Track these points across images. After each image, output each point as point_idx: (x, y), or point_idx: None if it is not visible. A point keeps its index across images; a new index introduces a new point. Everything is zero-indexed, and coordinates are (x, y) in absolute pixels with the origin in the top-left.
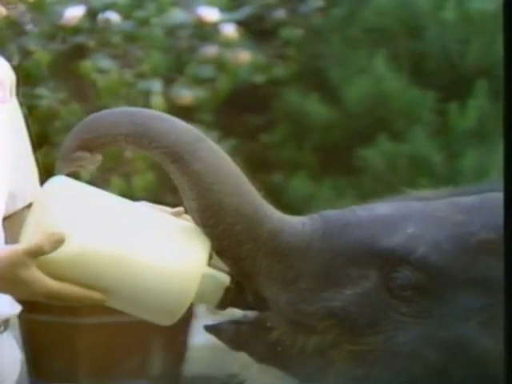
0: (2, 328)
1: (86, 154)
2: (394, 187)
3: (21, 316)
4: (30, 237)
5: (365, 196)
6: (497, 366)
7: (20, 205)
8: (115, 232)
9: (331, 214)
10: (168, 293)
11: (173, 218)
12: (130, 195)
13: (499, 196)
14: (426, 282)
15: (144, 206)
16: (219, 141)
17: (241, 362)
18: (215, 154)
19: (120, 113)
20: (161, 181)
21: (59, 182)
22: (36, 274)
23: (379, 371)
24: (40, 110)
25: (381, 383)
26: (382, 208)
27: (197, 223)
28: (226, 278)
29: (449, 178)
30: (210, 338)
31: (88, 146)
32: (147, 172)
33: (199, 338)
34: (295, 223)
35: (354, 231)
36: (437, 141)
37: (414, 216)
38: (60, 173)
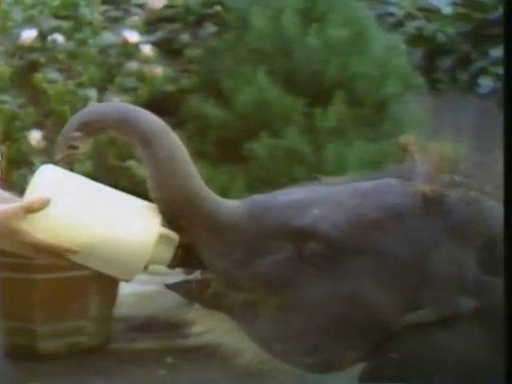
0: None
1: (82, 135)
2: (274, 172)
3: None
4: None
5: (252, 179)
6: (385, 313)
7: None
8: (87, 204)
9: (258, 198)
10: (130, 252)
11: (132, 196)
12: None
13: (390, 182)
14: (329, 251)
15: (109, 188)
16: None
17: (159, 305)
18: (175, 145)
19: (109, 105)
20: (96, 169)
21: (47, 168)
22: (25, 227)
23: (296, 325)
24: (4, 112)
25: (297, 336)
26: (296, 193)
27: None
28: (176, 238)
29: (315, 165)
30: (134, 288)
31: (84, 129)
32: (86, 161)
33: (126, 287)
34: (229, 205)
35: (275, 213)
36: (306, 137)
37: (320, 200)
38: (58, 152)
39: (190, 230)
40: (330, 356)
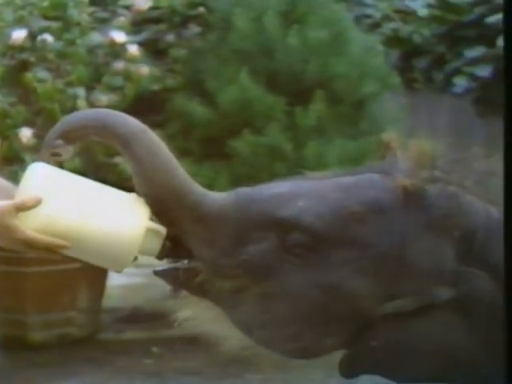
0: None
1: (63, 143)
2: (256, 169)
3: None
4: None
5: (235, 175)
6: (365, 301)
7: None
8: (78, 200)
9: (243, 190)
10: (120, 244)
11: (121, 191)
12: None
13: (372, 177)
14: (311, 242)
15: (98, 184)
16: None
17: (145, 297)
18: (153, 143)
19: (88, 112)
20: (85, 165)
21: (38, 165)
22: (18, 224)
23: (279, 312)
24: None
25: (279, 322)
26: (280, 186)
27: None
28: (164, 230)
29: (296, 162)
30: (121, 281)
31: (65, 138)
32: (75, 158)
33: (114, 280)
34: (215, 197)
35: (259, 205)
36: (287, 134)
37: (304, 193)
38: (42, 159)
39: (177, 221)
40: (311, 342)
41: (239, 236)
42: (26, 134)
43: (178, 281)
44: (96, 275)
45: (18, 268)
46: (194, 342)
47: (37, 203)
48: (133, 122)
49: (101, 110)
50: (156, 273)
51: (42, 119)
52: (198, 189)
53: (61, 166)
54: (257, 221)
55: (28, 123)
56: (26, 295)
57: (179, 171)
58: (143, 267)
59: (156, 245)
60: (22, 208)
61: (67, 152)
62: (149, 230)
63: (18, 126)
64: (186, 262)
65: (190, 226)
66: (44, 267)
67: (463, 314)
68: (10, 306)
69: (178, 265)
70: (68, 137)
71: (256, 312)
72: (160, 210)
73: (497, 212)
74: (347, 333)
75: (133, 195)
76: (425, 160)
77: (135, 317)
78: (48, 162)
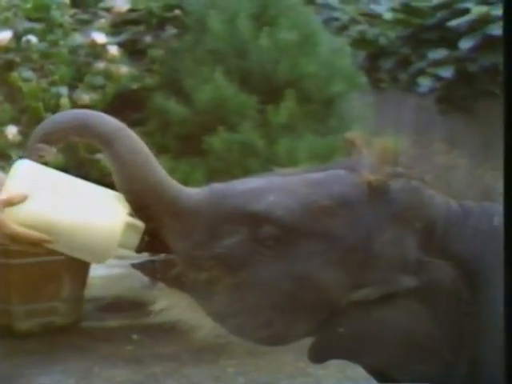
0: None
1: (45, 146)
2: (230, 164)
3: None
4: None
5: (210, 170)
6: (332, 290)
7: None
8: (61, 196)
9: (217, 186)
10: (101, 239)
11: (101, 187)
12: None
13: (339, 173)
14: (282, 234)
15: (80, 180)
16: None
17: (125, 287)
18: (131, 140)
19: (67, 115)
20: (68, 162)
21: (24, 162)
22: (5, 219)
23: (250, 301)
24: None
25: (250, 311)
26: (252, 182)
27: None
28: (142, 225)
29: (268, 158)
30: (103, 271)
31: (46, 141)
32: (58, 155)
33: (95, 271)
34: (191, 193)
35: (232, 200)
36: (259, 131)
37: (274, 188)
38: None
39: (155, 216)
40: (281, 330)
41: (213, 229)
42: (11, 131)
43: (154, 273)
44: (79, 267)
45: (3, 260)
46: (171, 330)
47: (23, 199)
48: (112, 122)
49: (80, 111)
50: (133, 265)
51: (27, 117)
52: (175, 185)
53: (45, 162)
54: (230, 215)
55: (14, 121)
56: (11, 286)
57: (158, 168)
58: (124, 259)
59: (135, 239)
60: (8, 203)
61: (50, 153)
62: (128, 225)
63: (4, 123)
64: (162, 255)
65: (167, 220)
66: (29, 259)
67: (425, 301)
68: None
69: (155, 258)
70: (49, 140)
71: (229, 302)
72: (139, 205)
73: (456, 204)
74: (316, 320)
75: (113, 192)
76: (388, 156)
77: (116, 306)
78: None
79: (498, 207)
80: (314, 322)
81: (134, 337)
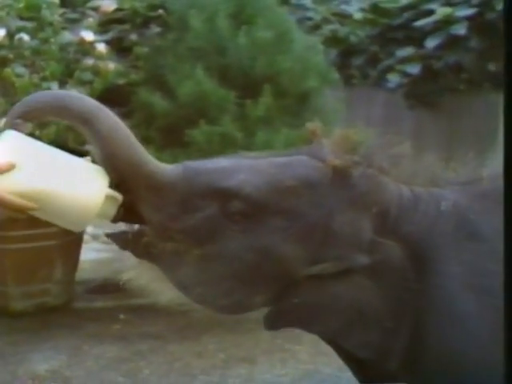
0: None
1: (22, 121)
2: (211, 155)
3: None
4: None
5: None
6: (292, 264)
7: None
8: (45, 166)
9: (190, 163)
10: (82, 208)
11: (84, 160)
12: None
13: (302, 158)
14: (249, 210)
15: (65, 153)
16: None
17: (113, 270)
18: (111, 119)
19: (46, 94)
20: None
21: (10, 133)
22: None
23: (214, 272)
24: None
25: (213, 281)
26: (223, 161)
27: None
28: (120, 197)
29: (246, 149)
30: (92, 255)
31: (25, 117)
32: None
33: (86, 255)
34: (166, 168)
35: (204, 176)
36: (238, 124)
37: (244, 168)
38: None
39: (132, 189)
40: (241, 300)
41: (185, 203)
42: None
43: (126, 243)
44: (70, 251)
45: (1, 245)
46: (155, 309)
47: (11, 167)
48: (92, 102)
49: (59, 92)
50: (108, 235)
51: None
52: (152, 160)
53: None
54: (201, 190)
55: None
56: (8, 269)
57: (136, 144)
58: (111, 244)
59: (112, 210)
60: None
61: (25, 128)
62: (107, 196)
63: None
64: (135, 226)
65: (143, 193)
66: (23, 244)
67: (376, 277)
68: None
69: (128, 228)
70: (27, 117)
71: (194, 272)
72: (118, 179)
73: (408, 191)
74: (274, 291)
75: (95, 165)
76: (347, 145)
77: (104, 287)
78: None
79: (446, 193)
80: (273, 293)
81: (121, 316)
